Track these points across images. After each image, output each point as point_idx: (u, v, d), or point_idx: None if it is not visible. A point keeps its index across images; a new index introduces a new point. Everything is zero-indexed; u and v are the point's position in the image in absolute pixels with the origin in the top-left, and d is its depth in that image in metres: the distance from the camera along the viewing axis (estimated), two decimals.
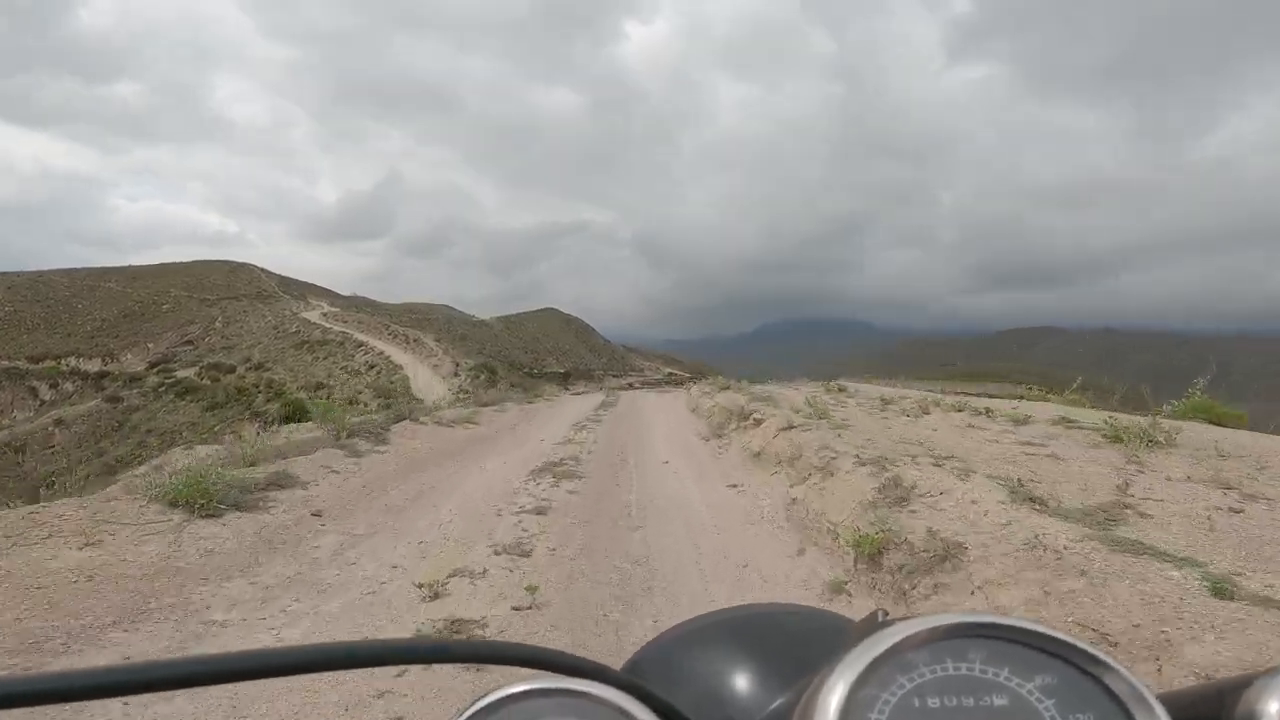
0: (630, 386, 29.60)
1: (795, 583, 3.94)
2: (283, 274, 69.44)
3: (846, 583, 3.75)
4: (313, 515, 5.23)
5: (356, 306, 54.27)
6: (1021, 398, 11.29)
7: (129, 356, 45.91)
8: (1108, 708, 0.37)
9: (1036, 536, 3.15)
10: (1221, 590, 2.53)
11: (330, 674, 2.56)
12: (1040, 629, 0.39)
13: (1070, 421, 6.95)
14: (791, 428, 6.95)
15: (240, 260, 68.33)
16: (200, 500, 4.71)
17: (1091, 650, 0.38)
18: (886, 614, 0.42)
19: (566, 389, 28.57)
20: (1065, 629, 0.46)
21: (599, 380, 36.59)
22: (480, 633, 3.33)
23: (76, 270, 65.85)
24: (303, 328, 42.87)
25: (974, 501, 3.72)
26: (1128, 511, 3.76)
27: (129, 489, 4.79)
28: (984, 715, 0.37)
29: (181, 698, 2.52)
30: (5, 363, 45.53)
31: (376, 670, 2.58)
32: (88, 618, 3.19)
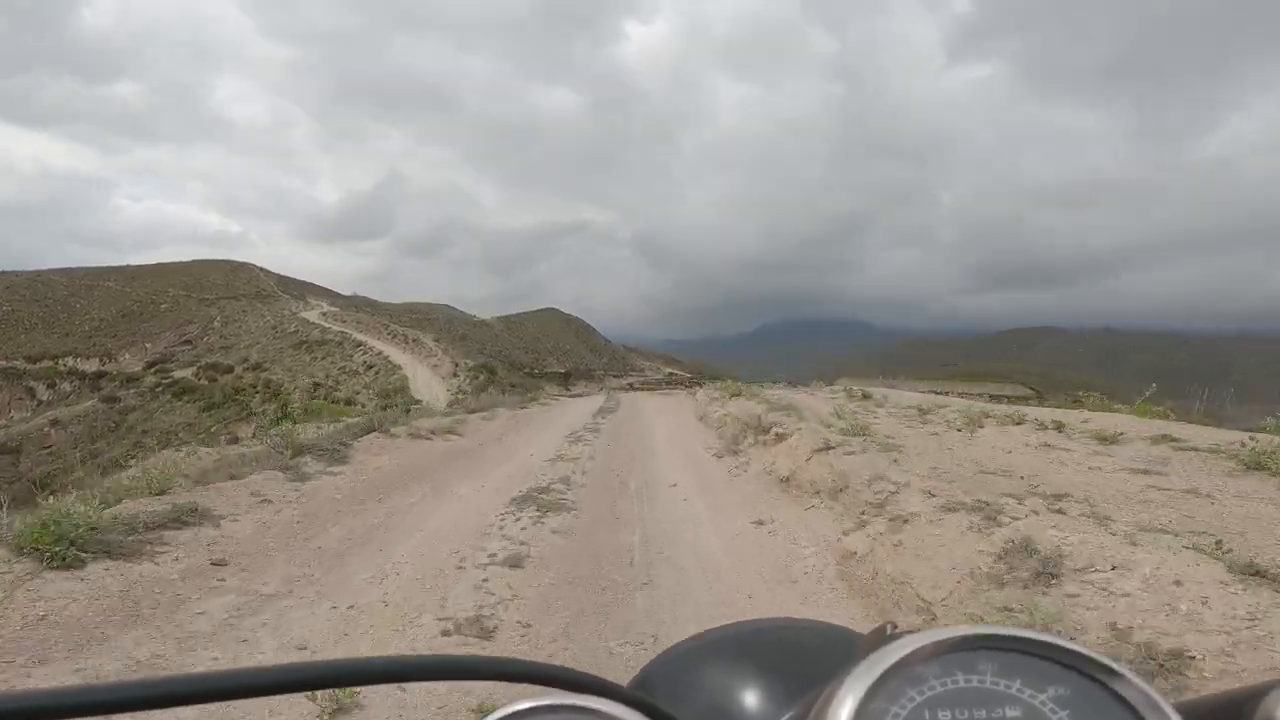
0: (631, 387, 29.26)
1: None
2: (283, 274, 68.56)
3: None
4: (213, 564, 3.96)
5: (356, 306, 53.56)
6: (1079, 404, 9.89)
7: (127, 356, 45.38)
8: (1122, 718, 0.36)
9: None
10: None
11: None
12: (1051, 639, 0.37)
13: (1175, 440, 5.62)
14: (830, 448, 5.64)
15: (240, 260, 67.54)
16: (54, 546, 3.48)
17: (1105, 660, 0.37)
18: (895, 626, 0.41)
19: (567, 389, 27.68)
20: None
21: (599, 380, 35.94)
22: None
23: (75, 270, 65.05)
24: (301, 328, 42.30)
25: (1176, 580, 2.41)
26: None
27: None
28: None
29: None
30: (3, 363, 45.03)
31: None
32: None
